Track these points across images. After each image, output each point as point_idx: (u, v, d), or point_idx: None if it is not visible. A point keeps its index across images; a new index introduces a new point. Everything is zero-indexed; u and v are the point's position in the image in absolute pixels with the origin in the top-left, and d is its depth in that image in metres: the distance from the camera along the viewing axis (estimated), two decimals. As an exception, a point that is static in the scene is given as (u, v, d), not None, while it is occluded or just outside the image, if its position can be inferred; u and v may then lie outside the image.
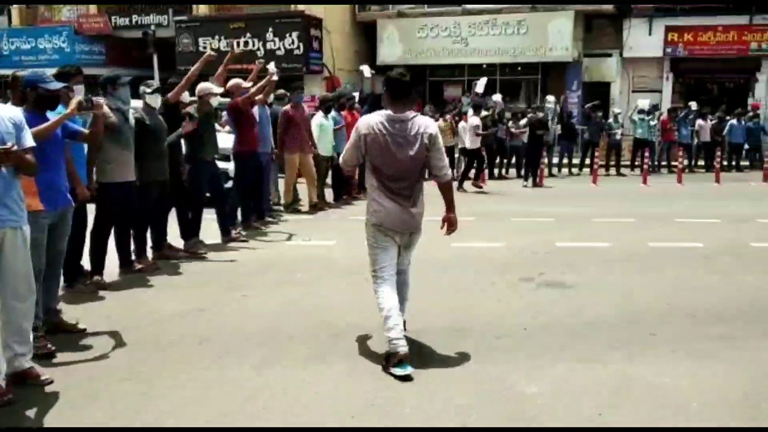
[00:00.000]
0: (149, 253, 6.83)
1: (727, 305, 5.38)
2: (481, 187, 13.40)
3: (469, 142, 13.18)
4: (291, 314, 5.22)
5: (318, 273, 6.45)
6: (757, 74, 20.39)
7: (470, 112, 13.63)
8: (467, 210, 10.18)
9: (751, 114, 18.28)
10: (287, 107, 9.76)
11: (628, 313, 5.21)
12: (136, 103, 6.61)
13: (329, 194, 11.00)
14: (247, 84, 8.34)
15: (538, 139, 14.40)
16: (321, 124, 10.44)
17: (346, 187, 11.19)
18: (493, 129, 14.79)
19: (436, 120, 15.68)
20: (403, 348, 4.04)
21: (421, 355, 4.31)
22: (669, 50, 20.51)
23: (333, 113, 10.80)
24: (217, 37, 20.97)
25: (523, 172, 15.02)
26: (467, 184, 13.19)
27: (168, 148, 6.79)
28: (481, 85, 15.48)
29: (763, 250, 7.43)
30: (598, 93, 20.09)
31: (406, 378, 3.92)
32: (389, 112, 4.19)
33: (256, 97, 8.39)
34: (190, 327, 4.92)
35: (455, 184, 13.06)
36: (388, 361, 4.06)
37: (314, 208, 10.18)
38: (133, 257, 6.53)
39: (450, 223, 4.42)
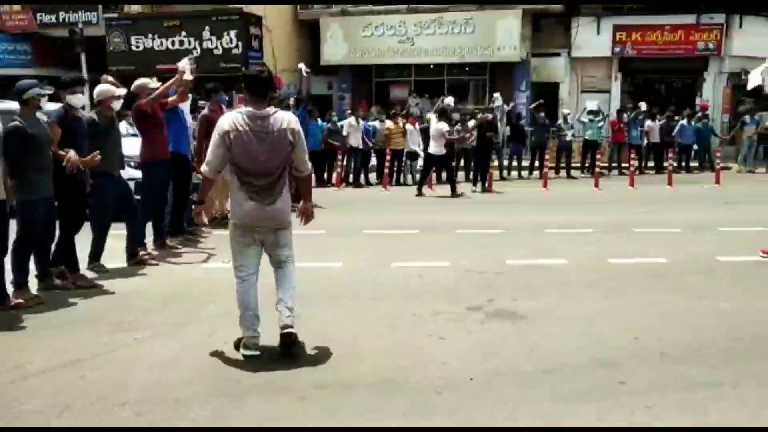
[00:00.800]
0: (34, 284, 5.78)
1: (703, 339, 4.62)
2: (423, 194, 12.79)
3: (435, 147, 12.70)
4: (188, 365, 4.26)
5: (233, 305, 5.38)
6: (704, 74, 20.25)
7: (434, 118, 13.06)
8: (410, 221, 9.38)
9: (699, 114, 18.05)
10: (205, 111, 8.60)
11: (592, 352, 4.40)
12: (12, 106, 5.60)
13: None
14: (155, 84, 7.32)
15: (487, 142, 13.75)
16: (249, 128, 9.37)
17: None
18: (463, 134, 14.23)
19: (382, 122, 14.94)
20: (256, 345, 4.31)
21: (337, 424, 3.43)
22: (617, 50, 20.22)
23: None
24: (150, 36, 19.82)
25: (471, 176, 14.35)
26: (424, 189, 12.94)
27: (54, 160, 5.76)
28: (448, 101, 15.02)
29: (731, 266, 6.75)
30: (547, 93, 19.65)
31: (254, 357, 4.24)
32: (249, 108, 4.16)
33: (169, 99, 7.39)
34: (56, 388, 3.90)
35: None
36: (239, 345, 4.37)
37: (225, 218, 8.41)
38: (10, 290, 5.47)
39: (306, 214, 4.55)
